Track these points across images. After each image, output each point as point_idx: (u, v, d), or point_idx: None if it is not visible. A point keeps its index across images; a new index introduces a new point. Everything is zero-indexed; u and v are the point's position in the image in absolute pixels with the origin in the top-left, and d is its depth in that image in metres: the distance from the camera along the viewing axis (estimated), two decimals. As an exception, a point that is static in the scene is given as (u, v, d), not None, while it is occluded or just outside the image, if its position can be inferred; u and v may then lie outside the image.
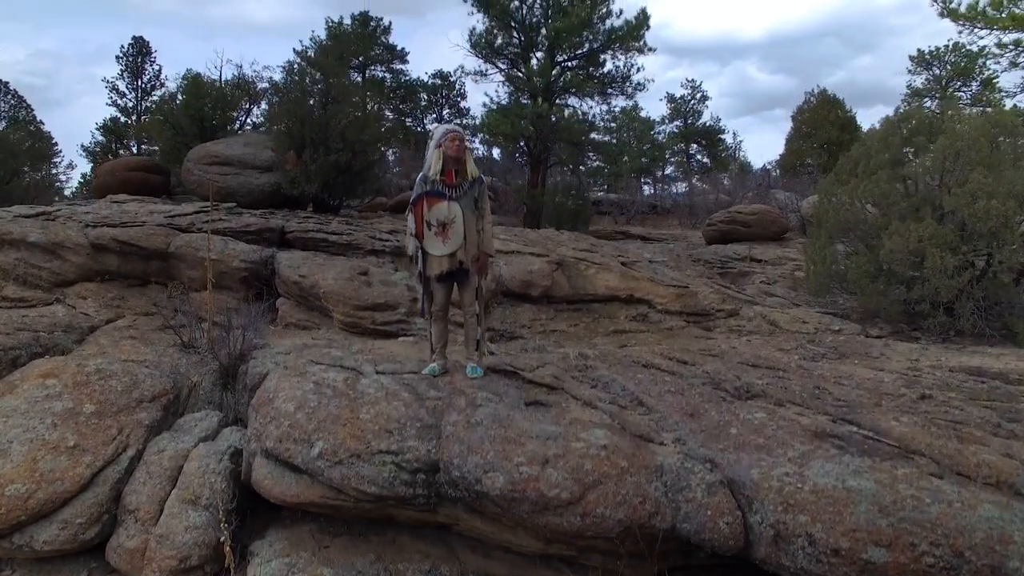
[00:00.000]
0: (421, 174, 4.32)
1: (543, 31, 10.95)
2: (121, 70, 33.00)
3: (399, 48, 30.08)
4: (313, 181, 8.56)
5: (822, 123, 22.62)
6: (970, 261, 6.00)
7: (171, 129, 10.29)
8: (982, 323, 6.08)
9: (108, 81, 32.30)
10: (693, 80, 31.95)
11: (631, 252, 8.68)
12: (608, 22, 10.74)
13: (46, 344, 5.18)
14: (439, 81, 34.23)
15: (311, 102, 8.74)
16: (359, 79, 29.73)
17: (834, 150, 23.04)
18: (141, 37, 33.27)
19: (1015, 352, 5.56)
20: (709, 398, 4.03)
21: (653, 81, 31.00)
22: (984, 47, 27.27)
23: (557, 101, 10.68)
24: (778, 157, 34.46)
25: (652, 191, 36.61)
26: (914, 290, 6.31)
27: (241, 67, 15.36)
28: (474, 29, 11.26)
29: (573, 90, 10.99)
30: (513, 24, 11.33)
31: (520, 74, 11.19)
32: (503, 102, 11.65)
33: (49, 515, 3.65)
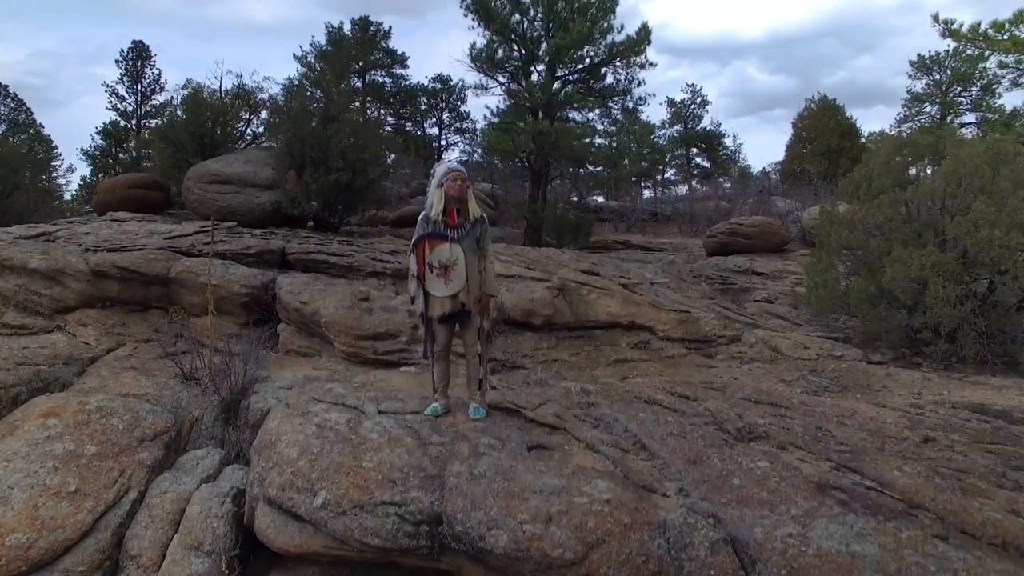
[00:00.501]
0: (423, 213, 4.31)
1: (544, 45, 10.93)
2: (121, 74, 32.98)
3: (399, 53, 30.12)
4: (313, 200, 8.56)
5: (822, 130, 22.63)
6: (972, 291, 5.98)
7: (171, 146, 10.27)
8: (984, 351, 6.07)
9: (108, 85, 32.35)
10: (693, 84, 32.06)
11: (632, 272, 8.67)
12: (609, 37, 10.72)
13: (47, 378, 5.16)
14: (439, 85, 34.29)
15: (312, 121, 8.71)
16: (359, 84, 29.83)
17: (834, 157, 23.13)
18: (141, 41, 33.30)
19: (1017, 384, 5.55)
20: (711, 441, 4.02)
21: (654, 95, 31.05)
22: (984, 51, 27.36)
23: (558, 115, 10.65)
24: (778, 162, 34.66)
25: (652, 194, 36.73)
26: (916, 317, 6.31)
27: (241, 76, 15.28)
28: (474, 44, 11.24)
29: (575, 105, 10.97)
30: (514, 37, 11.31)
31: (520, 87, 11.16)
32: (504, 115, 11.63)
33: (50, 564, 3.64)
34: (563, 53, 10.50)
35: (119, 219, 9.05)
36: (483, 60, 11.28)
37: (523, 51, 11.39)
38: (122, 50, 32.43)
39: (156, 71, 32.52)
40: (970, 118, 26.99)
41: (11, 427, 4.33)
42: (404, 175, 20.41)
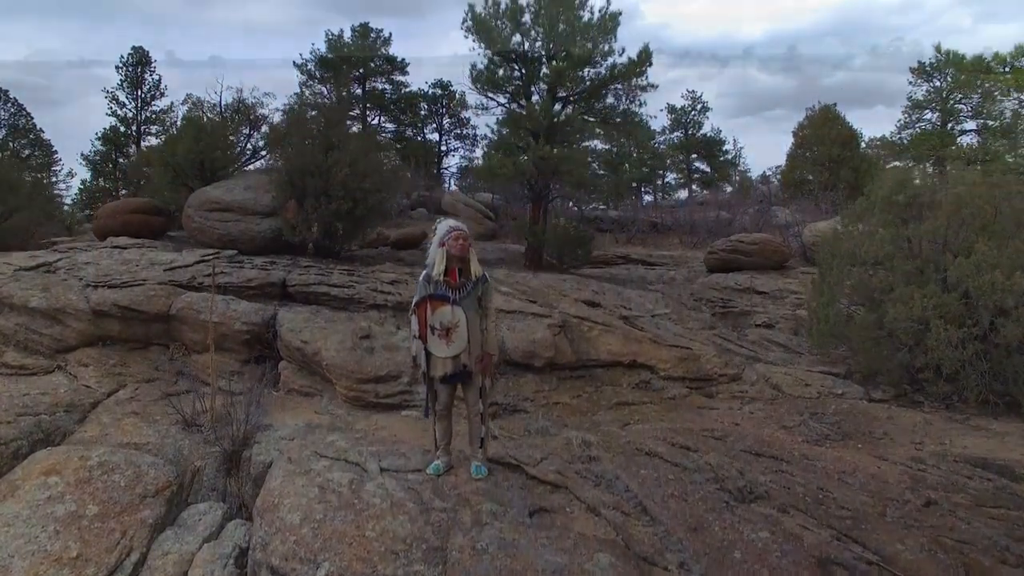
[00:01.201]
0: (424, 272, 4.32)
1: (544, 68, 10.92)
2: (121, 80, 33.02)
3: (400, 60, 30.06)
4: (314, 229, 8.56)
5: (823, 140, 22.62)
6: (974, 333, 5.97)
7: (171, 172, 10.26)
8: (986, 392, 6.06)
9: (108, 92, 32.35)
10: (693, 91, 31.88)
11: (633, 301, 8.65)
12: (610, 59, 10.71)
13: (48, 429, 5.16)
14: (439, 91, 34.31)
15: (312, 151, 8.70)
16: (359, 91, 29.83)
17: (835, 167, 23.15)
18: (141, 47, 33.30)
19: (1019, 429, 5.56)
20: (712, 504, 4.03)
21: (655, 117, 31.06)
22: (984, 58, 27.32)
23: (559, 139, 10.63)
24: (778, 166, 34.63)
25: (653, 199, 36.70)
26: (917, 357, 6.30)
27: (241, 91, 15.29)
28: (475, 65, 11.22)
29: (575, 127, 10.96)
30: (514, 57, 11.29)
31: (520, 108, 11.15)
32: (504, 138, 11.62)
33: (53, 635, 3.65)
34: (564, 76, 10.49)
35: (120, 245, 9.04)
36: (483, 81, 11.25)
37: (523, 71, 11.37)
38: (121, 56, 32.43)
39: (156, 76, 32.52)
40: (971, 125, 27.05)
41: (12, 487, 4.32)
42: (405, 184, 20.45)
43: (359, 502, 3.94)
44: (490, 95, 11.46)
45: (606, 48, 10.66)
